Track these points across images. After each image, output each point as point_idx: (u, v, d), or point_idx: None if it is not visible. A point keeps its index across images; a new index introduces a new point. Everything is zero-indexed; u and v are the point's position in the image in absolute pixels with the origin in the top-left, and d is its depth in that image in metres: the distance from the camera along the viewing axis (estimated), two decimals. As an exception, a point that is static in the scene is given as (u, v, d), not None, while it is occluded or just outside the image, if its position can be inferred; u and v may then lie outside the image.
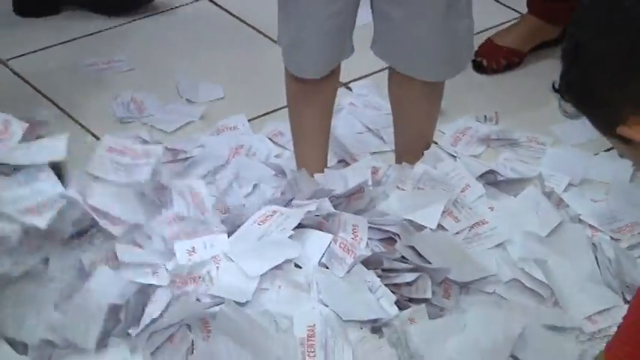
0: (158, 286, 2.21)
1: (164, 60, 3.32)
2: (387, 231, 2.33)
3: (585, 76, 1.47)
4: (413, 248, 2.25)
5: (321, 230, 2.29)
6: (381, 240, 2.33)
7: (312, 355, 2.06)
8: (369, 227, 2.32)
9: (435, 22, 2.33)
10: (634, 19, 1.38)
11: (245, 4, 3.62)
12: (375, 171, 2.61)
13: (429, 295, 2.16)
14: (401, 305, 2.13)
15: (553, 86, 1.53)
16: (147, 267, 2.29)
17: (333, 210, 2.33)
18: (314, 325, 2.09)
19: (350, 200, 2.43)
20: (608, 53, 1.42)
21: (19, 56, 3.22)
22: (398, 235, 2.28)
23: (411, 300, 2.16)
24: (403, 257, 2.24)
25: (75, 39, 3.50)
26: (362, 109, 2.92)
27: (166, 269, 2.28)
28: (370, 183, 2.52)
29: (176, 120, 3.06)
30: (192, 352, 2.15)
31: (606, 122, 1.45)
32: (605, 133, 1.47)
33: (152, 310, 2.17)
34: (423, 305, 2.14)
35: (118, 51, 3.40)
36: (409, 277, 2.20)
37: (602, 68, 1.43)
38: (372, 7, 2.39)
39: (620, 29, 1.41)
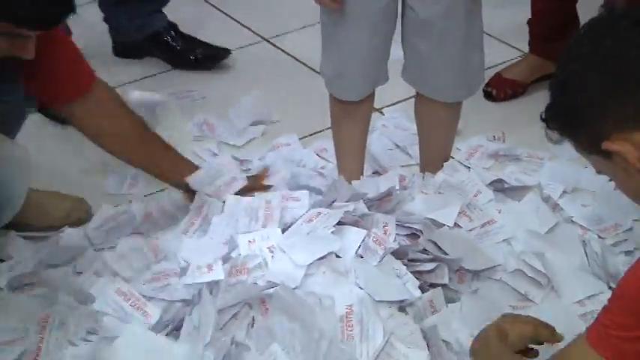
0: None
1: (229, 90, 3.29)
2: (412, 228, 2.37)
3: (572, 102, 1.52)
4: (433, 242, 2.30)
5: (357, 227, 2.31)
6: (407, 235, 2.37)
7: (350, 329, 2.10)
8: (397, 224, 2.35)
9: (454, 53, 2.38)
10: (615, 54, 1.47)
11: (294, 43, 3.60)
12: (402, 179, 2.63)
13: (446, 281, 2.23)
14: (423, 289, 2.19)
15: (540, 117, 1.60)
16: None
17: (366, 210, 2.37)
18: (352, 304, 2.13)
19: (381, 202, 2.46)
20: (593, 82, 1.49)
21: (117, 87, 3.04)
22: (421, 231, 2.33)
23: (431, 285, 2.22)
24: (425, 249, 2.30)
25: (157, 74, 3.53)
26: (392, 129, 2.94)
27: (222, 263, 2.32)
28: (398, 188, 2.55)
29: (242, 137, 3.08)
30: (253, 326, 2.19)
31: (591, 141, 1.50)
32: (590, 152, 1.55)
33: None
34: (440, 289, 2.21)
35: (192, 84, 3.41)
36: (429, 266, 2.26)
37: (588, 95, 1.50)
38: (402, 41, 2.42)
39: (604, 62, 1.48)
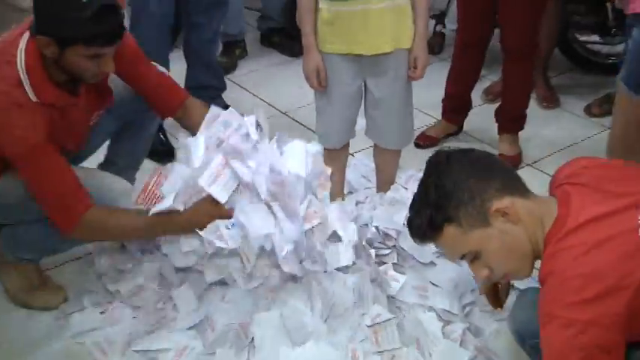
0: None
1: None
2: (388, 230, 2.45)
3: (454, 194, 1.61)
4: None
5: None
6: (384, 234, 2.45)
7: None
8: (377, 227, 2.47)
9: (396, 120, 2.54)
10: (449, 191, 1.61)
11: (298, 112, 3.62)
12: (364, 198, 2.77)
13: (395, 261, 2.38)
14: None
15: (412, 232, 1.71)
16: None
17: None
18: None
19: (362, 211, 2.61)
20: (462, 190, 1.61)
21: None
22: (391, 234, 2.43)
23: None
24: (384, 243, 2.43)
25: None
26: (360, 166, 3.04)
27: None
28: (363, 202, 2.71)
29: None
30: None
31: (480, 212, 1.58)
32: (482, 223, 1.58)
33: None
34: (391, 264, 2.36)
35: None
36: (386, 251, 2.43)
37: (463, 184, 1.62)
38: (365, 113, 2.57)
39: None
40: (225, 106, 3.01)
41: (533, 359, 1.87)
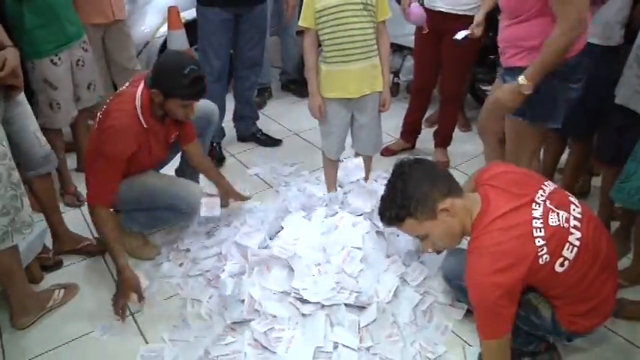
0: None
1: (279, 159, 3.24)
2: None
3: (413, 197, 1.59)
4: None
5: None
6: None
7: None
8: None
9: (372, 137, 2.52)
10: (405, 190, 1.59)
11: (309, 134, 3.56)
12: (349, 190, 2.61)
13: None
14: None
15: (383, 219, 1.68)
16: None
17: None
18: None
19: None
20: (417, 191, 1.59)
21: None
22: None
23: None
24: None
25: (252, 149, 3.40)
26: (350, 168, 2.80)
27: None
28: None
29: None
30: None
31: (431, 209, 1.59)
32: (431, 218, 1.59)
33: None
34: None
35: (265, 151, 3.36)
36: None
37: (418, 190, 1.61)
38: (352, 133, 2.52)
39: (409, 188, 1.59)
40: (258, 130, 3.49)
41: (455, 293, 2.00)
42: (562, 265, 1.53)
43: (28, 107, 2.13)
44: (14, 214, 1.87)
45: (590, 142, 2.57)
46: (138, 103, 2.04)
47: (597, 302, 1.61)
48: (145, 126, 2.06)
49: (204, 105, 2.47)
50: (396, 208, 1.59)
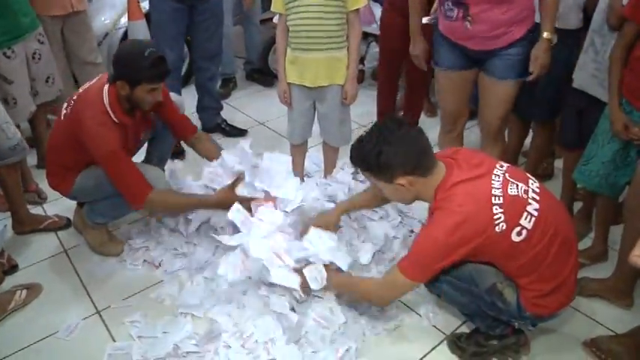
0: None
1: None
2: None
3: (383, 163, 1.64)
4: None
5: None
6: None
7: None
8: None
9: (337, 127, 2.50)
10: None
11: (275, 123, 3.55)
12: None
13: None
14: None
15: (351, 158, 1.72)
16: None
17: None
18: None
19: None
20: (391, 156, 1.63)
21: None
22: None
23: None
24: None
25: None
26: (313, 157, 2.93)
27: None
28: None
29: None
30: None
31: (388, 178, 1.67)
32: (387, 182, 1.67)
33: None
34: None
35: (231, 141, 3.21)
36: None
37: (389, 161, 1.64)
38: (318, 121, 2.52)
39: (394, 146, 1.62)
40: (223, 120, 3.43)
41: (425, 284, 1.84)
42: (519, 234, 1.56)
43: None
44: None
45: (552, 125, 2.61)
46: (106, 100, 2.05)
47: (560, 282, 1.65)
48: (117, 121, 2.06)
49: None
50: (360, 158, 1.66)
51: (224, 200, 2.18)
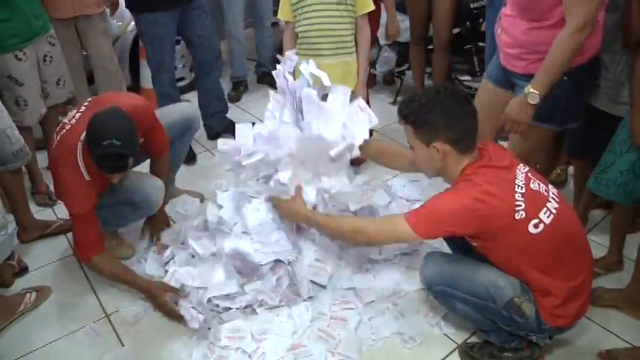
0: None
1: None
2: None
3: (427, 120, 1.63)
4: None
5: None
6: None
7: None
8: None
9: None
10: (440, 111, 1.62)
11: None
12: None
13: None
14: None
15: (399, 110, 1.69)
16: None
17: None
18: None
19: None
20: (436, 117, 1.62)
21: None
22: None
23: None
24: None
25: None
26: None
27: None
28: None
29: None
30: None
31: (427, 139, 1.64)
32: (421, 141, 1.65)
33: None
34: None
35: None
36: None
37: (434, 121, 1.63)
38: None
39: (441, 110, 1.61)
40: (230, 122, 3.29)
41: (437, 300, 1.90)
42: (536, 227, 1.55)
43: None
44: None
45: (561, 136, 2.55)
46: (79, 156, 1.96)
47: (576, 286, 1.63)
48: (88, 179, 1.98)
49: (184, 109, 2.47)
50: (410, 109, 1.64)
51: (148, 289, 2.08)
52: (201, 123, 3.00)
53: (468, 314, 1.77)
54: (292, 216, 1.95)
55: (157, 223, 2.38)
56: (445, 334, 1.97)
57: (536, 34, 1.77)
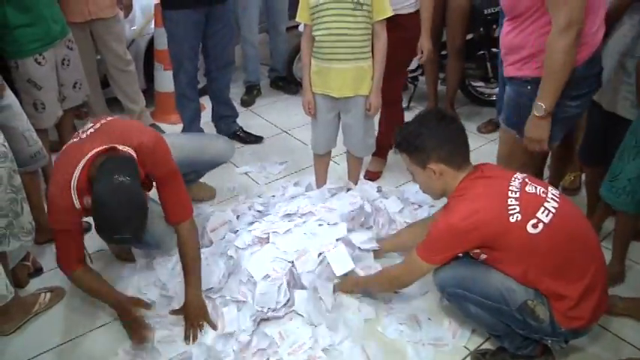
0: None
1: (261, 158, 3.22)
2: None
3: (418, 145, 1.72)
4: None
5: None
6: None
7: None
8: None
9: (359, 137, 2.50)
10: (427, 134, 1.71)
11: (300, 132, 3.55)
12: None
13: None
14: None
15: (396, 141, 1.78)
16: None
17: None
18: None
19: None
20: (426, 142, 1.71)
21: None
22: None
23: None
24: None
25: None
26: (341, 166, 2.92)
27: None
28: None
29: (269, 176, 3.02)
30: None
31: (422, 162, 1.74)
32: (417, 166, 1.76)
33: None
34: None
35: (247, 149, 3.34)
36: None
37: (424, 145, 1.72)
38: (342, 131, 2.51)
39: (432, 135, 1.70)
40: (239, 128, 3.42)
41: (451, 302, 1.92)
42: (535, 226, 1.57)
43: (17, 108, 2.12)
44: (13, 217, 1.84)
45: (571, 140, 2.56)
46: (74, 183, 1.74)
47: (587, 285, 1.61)
48: (78, 207, 1.77)
49: (220, 148, 2.44)
50: (401, 138, 1.75)
51: (121, 305, 2.02)
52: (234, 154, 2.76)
53: (481, 318, 1.77)
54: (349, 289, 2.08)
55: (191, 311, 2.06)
56: (458, 341, 1.95)
57: (511, 36, 1.80)
